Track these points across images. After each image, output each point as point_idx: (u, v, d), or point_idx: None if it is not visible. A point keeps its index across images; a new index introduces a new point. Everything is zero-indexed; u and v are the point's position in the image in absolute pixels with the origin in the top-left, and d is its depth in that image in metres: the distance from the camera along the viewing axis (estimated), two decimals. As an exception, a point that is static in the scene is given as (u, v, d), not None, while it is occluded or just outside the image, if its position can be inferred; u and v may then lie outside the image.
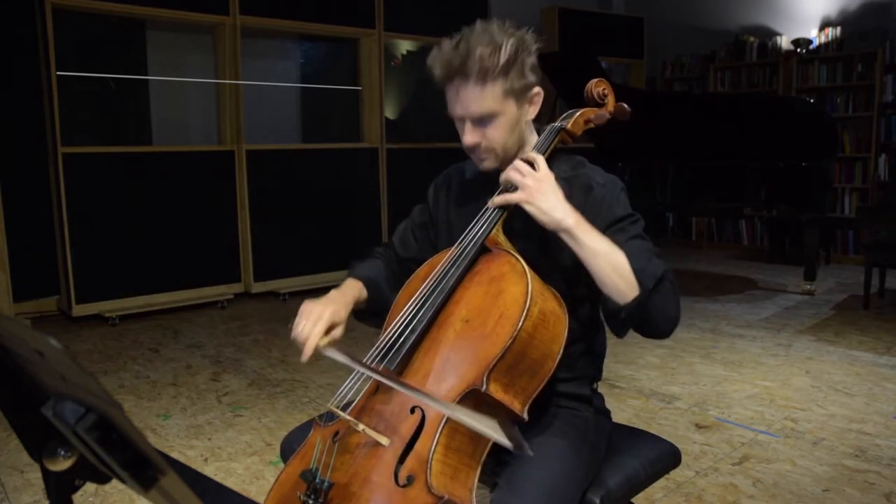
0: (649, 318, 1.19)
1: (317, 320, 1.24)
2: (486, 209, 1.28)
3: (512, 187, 1.23)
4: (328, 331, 1.25)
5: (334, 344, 1.24)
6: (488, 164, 1.33)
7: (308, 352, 1.22)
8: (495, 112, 1.25)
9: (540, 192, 1.19)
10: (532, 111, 1.32)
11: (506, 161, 1.32)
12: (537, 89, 1.30)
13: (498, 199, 1.24)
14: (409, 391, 1.07)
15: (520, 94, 1.27)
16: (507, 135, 1.28)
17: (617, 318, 1.19)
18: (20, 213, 4.25)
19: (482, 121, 1.26)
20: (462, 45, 1.22)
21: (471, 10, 5.98)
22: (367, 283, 1.40)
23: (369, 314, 1.41)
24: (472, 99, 1.24)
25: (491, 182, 1.34)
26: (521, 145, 1.34)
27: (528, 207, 1.20)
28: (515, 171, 1.22)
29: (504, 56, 1.21)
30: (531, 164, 1.24)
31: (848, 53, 6.21)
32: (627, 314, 1.17)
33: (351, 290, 1.36)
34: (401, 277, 1.42)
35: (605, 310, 1.22)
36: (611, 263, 1.17)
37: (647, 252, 1.23)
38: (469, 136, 1.29)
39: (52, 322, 4.41)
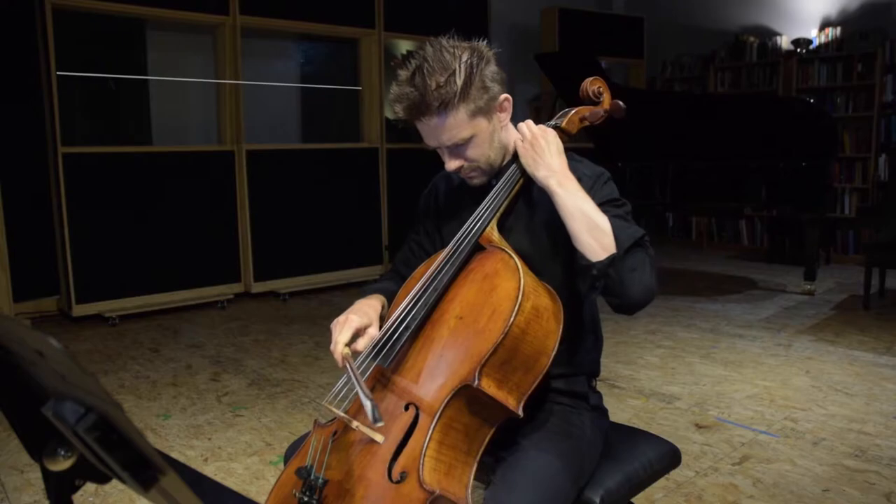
0: (622, 280, 1.17)
1: (342, 328, 1.24)
2: (481, 207, 1.29)
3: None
4: (356, 335, 1.25)
5: (356, 354, 1.25)
6: (477, 180, 1.34)
7: (337, 357, 1.22)
8: (467, 136, 1.25)
9: (531, 149, 1.25)
10: (504, 117, 1.32)
11: (494, 171, 1.34)
12: (504, 96, 1.29)
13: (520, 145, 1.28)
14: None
15: (486, 109, 1.26)
16: (486, 150, 1.29)
17: (588, 275, 1.18)
18: (20, 213, 4.25)
19: (458, 146, 1.27)
20: (417, 78, 1.21)
21: (471, 10, 5.99)
22: (386, 294, 1.41)
23: None
24: (440, 131, 1.24)
25: (482, 186, 1.35)
26: (505, 153, 1.34)
27: (521, 158, 1.26)
28: (524, 132, 1.28)
29: (460, 80, 1.20)
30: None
31: (848, 53, 6.21)
32: (599, 271, 1.17)
33: (373, 298, 1.38)
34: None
35: (578, 267, 1.20)
36: (589, 221, 1.18)
37: (625, 226, 1.23)
38: (451, 163, 1.30)
39: (52, 322, 4.41)
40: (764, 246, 6.74)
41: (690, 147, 5.03)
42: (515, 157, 1.32)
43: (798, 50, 6.52)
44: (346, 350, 1.22)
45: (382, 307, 1.36)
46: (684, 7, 7.38)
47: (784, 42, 6.67)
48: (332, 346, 1.23)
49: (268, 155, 5.08)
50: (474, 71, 1.22)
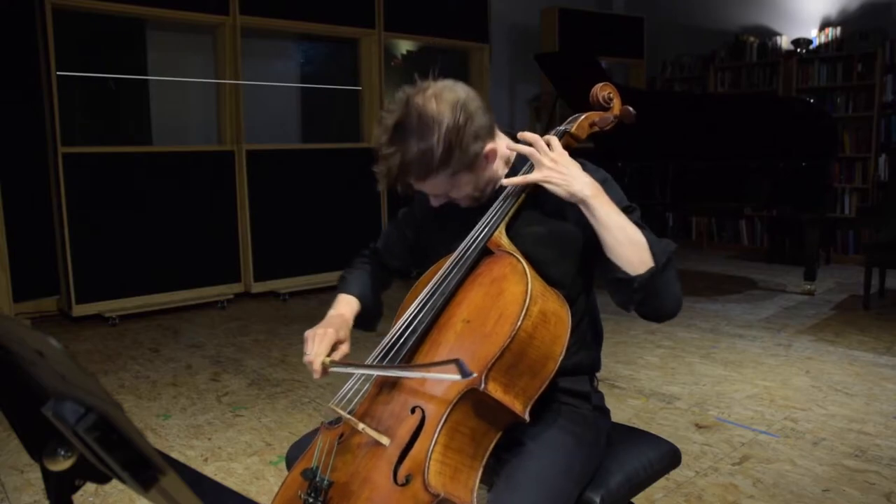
0: (659, 293, 1.19)
1: (320, 340, 1.26)
2: (490, 211, 1.28)
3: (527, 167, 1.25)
4: (333, 349, 1.28)
5: (339, 360, 1.28)
6: (467, 204, 1.34)
7: (317, 369, 1.24)
8: (450, 188, 1.27)
9: (557, 169, 1.21)
10: (490, 165, 1.30)
11: (485, 197, 1.34)
12: (488, 148, 1.26)
13: (516, 179, 1.25)
14: (403, 372, 1.13)
15: (469, 166, 1.25)
16: (470, 192, 1.30)
17: (629, 288, 1.19)
18: (20, 213, 4.25)
19: (440, 193, 1.30)
20: (396, 140, 1.19)
21: (471, 10, 5.99)
22: (361, 298, 1.45)
23: (361, 323, 1.46)
24: (423, 188, 1.27)
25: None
26: (496, 179, 1.33)
27: (548, 186, 1.21)
28: (533, 150, 1.23)
29: (439, 152, 1.19)
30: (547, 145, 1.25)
31: (848, 53, 6.20)
32: (640, 284, 1.18)
33: (347, 307, 1.42)
34: (386, 282, 1.55)
35: (617, 281, 1.20)
36: (627, 235, 1.19)
37: (656, 239, 1.25)
38: (435, 201, 1.32)
39: (52, 322, 4.41)
40: (764, 246, 6.74)
41: (691, 147, 5.03)
42: (520, 164, 1.32)
43: (798, 50, 6.52)
44: (327, 360, 1.24)
45: (356, 316, 1.41)
46: (684, 7, 7.38)
47: (784, 42, 6.67)
48: (307, 358, 1.24)
49: (268, 155, 5.08)
50: (454, 139, 1.19)
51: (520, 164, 1.33)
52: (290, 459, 1.38)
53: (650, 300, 1.20)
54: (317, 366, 1.23)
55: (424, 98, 1.20)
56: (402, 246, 1.53)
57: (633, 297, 1.20)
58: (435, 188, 1.26)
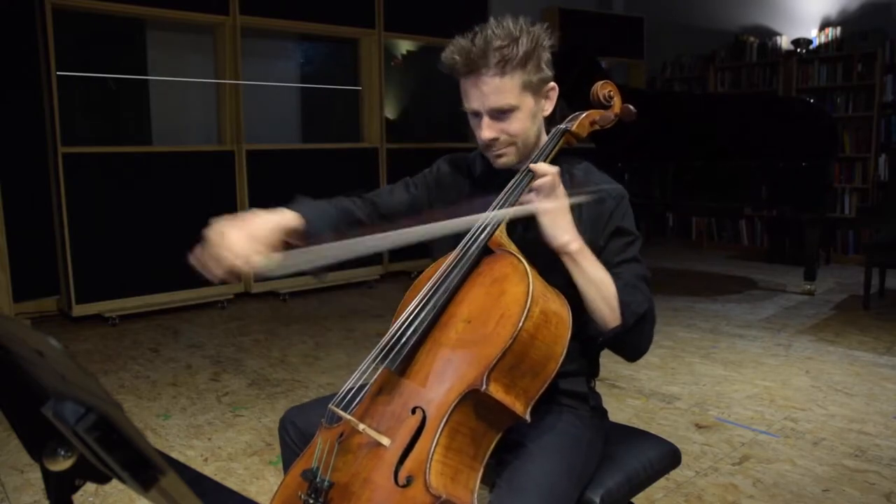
0: (623, 349, 1.30)
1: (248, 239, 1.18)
2: (490, 210, 1.27)
3: (530, 191, 1.24)
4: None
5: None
6: (506, 159, 1.32)
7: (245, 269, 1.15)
8: (514, 105, 1.25)
9: (559, 212, 1.22)
10: (548, 106, 1.33)
11: (525, 156, 1.33)
12: (553, 84, 1.31)
13: (519, 210, 1.24)
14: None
15: (537, 88, 1.28)
16: (526, 127, 1.29)
17: (594, 341, 1.28)
18: (20, 213, 4.25)
19: (501, 114, 1.26)
20: (479, 38, 1.23)
21: (471, 10, 5.99)
22: (309, 219, 1.29)
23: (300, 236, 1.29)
24: (491, 90, 1.24)
25: (497, 180, 1.33)
26: (537, 142, 1.35)
27: (544, 219, 1.22)
28: (550, 180, 1.21)
29: (522, 48, 1.22)
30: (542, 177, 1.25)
31: (848, 53, 6.21)
32: (604, 340, 1.27)
33: (283, 218, 1.25)
34: (367, 224, 1.39)
35: (585, 331, 1.27)
36: (602, 293, 1.23)
37: (637, 279, 1.27)
38: (487, 131, 1.28)
39: (52, 322, 4.41)
40: (764, 246, 6.74)
41: (691, 147, 5.03)
42: (530, 158, 1.32)
43: (798, 50, 6.52)
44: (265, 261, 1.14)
45: (288, 231, 1.24)
46: (684, 7, 7.38)
47: (784, 42, 6.67)
48: (227, 255, 1.18)
49: (268, 155, 5.08)
50: (537, 45, 1.24)
51: (547, 146, 1.34)
52: (285, 422, 1.38)
53: (613, 349, 1.32)
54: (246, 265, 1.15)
55: (508, 18, 1.26)
56: (408, 203, 1.46)
57: (598, 347, 1.32)
58: (503, 95, 1.23)
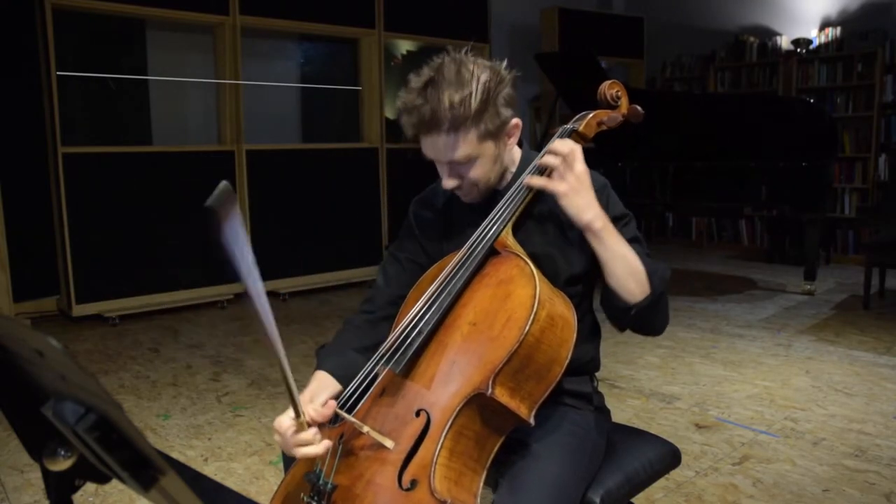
0: (654, 316, 1.26)
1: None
2: (496, 210, 1.26)
3: (547, 172, 1.24)
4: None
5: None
6: (471, 198, 1.32)
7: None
8: (472, 156, 1.23)
9: (578, 190, 1.21)
10: (511, 141, 1.30)
11: (488, 191, 1.32)
12: (514, 121, 1.27)
13: (536, 181, 1.23)
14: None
15: (496, 134, 1.24)
16: (487, 172, 1.27)
17: (626, 315, 1.24)
18: (20, 213, 4.25)
19: (460, 165, 1.25)
20: (430, 92, 1.18)
21: (471, 10, 5.99)
22: (339, 375, 1.27)
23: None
24: (445, 147, 1.21)
25: (479, 203, 1.34)
26: (503, 171, 1.33)
27: (563, 201, 1.21)
28: (561, 161, 1.21)
29: (475, 102, 1.17)
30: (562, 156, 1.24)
31: (848, 53, 6.21)
32: (637, 311, 1.23)
33: (325, 390, 1.25)
34: (390, 315, 1.34)
35: (614, 307, 1.25)
36: (629, 267, 1.22)
37: (644, 254, 1.27)
38: (448, 181, 1.28)
39: (52, 322, 4.41)
40: (764, 246, 6.74)
41: (691, 147, 5.03)
42: (527, 163, 1.32)
43: (798, 50, 6.52)
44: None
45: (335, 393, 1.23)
46: (684, 7, 7.38)
47: (784, 42, 6.67)
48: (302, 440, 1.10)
49: (268, 155, 5.08)
50: (490, 94, 1.19)
51: (524, 167, 1.33)
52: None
53: (642, 323, 1.27)
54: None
55: (460, 58, 1.22)
56: (410, 270, 1.41)
57: (628, 322, 1.26)
58: (460, 151, 1.21)
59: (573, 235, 1.30)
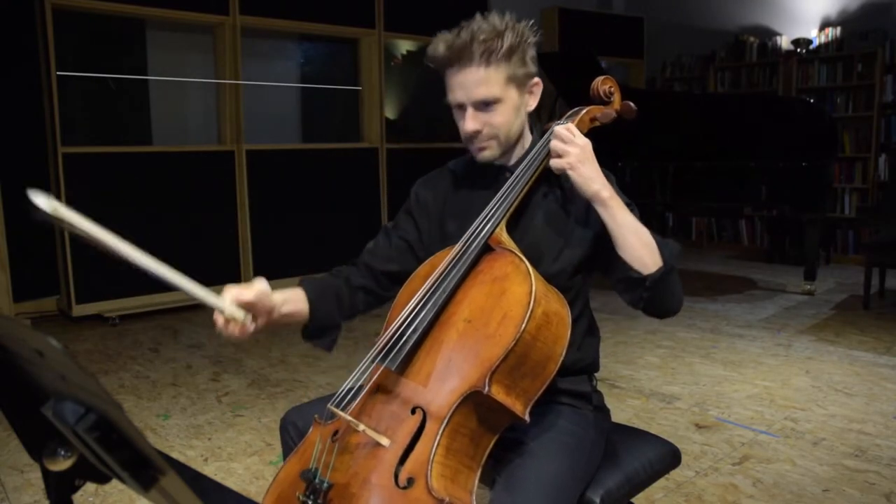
0: (669, 291, 1.24)
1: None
2: (491, 207, 1.26)
3: (555, 154, 1.24)
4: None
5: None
6: (489, 153, 1.32)
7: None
8: (498, 97, 1.26)
9: (583, 160, 1.22)
10: (532, 102, 1.34)
11: (507, 150, 1.33)
12: (537, 80, 1.32)
13: (552, 163, 1.24)
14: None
15: (521, 82, 1.29)
16: (509, 120, 1.29)
17: (640, 287, 1.23)
18: (20, 213, 4.25)
19: (485, 106, 1.27)
20: (464, 31, 1.24)
21: (471, 11, 5.97)
22: (312, 299, 1.36)
23: (313, 332, 1.37)
24: (475, 82, 1.25)
25: (488, 181, 1.34)
26: (520, 138, 1.35)
27: (571, 173, 1.22)
28: (560, 140, 1.23)
29: (507, 41, 1.23)
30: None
31: (848, 53, 6.21)
32: (652, 283, 1.21)
33: (292, 297, 1.33)
34: (376, 292, 1.44)
35: (628, 279, 1.23)
36: (639, 236, 1.22)
37: (662, 240, 1.28)
38: (470, 122, 1.28)
39: (52, 322, 4.41)
40: (764, 246, 6.74)
41: (691, 147, 5.03)
42: (527, 155, 1.33)
43: (798, 50, 6.52)
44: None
45: (295, 313, 1.30)
46: (684, 7, 7.38)
47: (784, 42, 6.67)
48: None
49: (268, 155, 5.08)
50: (520, 39, 1.25)
51: (533, 147, 1.34)
52: (286, 422, 1.37)
53: (658, 298, 1.24)
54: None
55: (493, 14, 1.28)
56: (397, 246, 1.44)
57: (643, 296, 1.23)
58: (487, 87, 1.24)
59: (571, 223, 1.31)
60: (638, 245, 1.22)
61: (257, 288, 1.20)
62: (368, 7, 5.45)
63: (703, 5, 7.26)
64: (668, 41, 7.47)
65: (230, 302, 1.18)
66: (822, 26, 6.48)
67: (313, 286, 1.39)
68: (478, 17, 1.27)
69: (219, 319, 1.18)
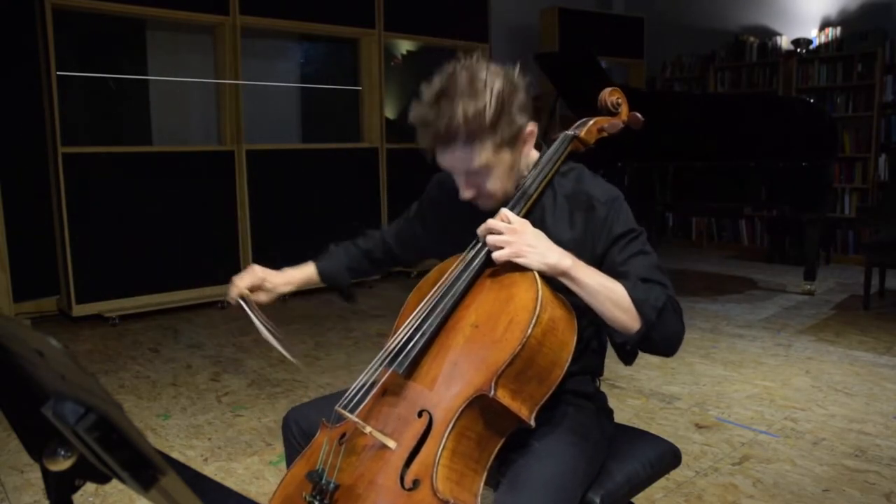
0: (655, 346, 1.20)
1: (246, 274, 1.49)
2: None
3: (495, 248, 1.20)
4: (254, 291, 1.48)
5: (252, 301, 1.47)
6: (490, 205, 1.31)
7: (233, 295, 1.46)
8: (488, 165, 1.22)
9: (525, 243, 1.17)
10: (527, 149, 1.30)
11: (508, 200, 1.30)
12: (530, 128, 1.26)
13: (494, 255, 1.19)
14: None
15: (513, 142, 1.23)
16: (505, 182, 1.27)
17: (623, 350, 1.21)
18: (20, 213, 4.25)
19: (477, 174, 1.24)
20: (444, 104, 1.17)
21: (471, 10, 5.99)
22: (325, 273, 1.56)
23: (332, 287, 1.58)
24: (462, 160, 1.22)
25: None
26: (521, 177, 1.32)
27: (520, 261, 1.17)
28: (492, 234, 1.19)
29: (490, 114, 1.17)
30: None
31: (848, 53, 6.21)
32: (633, 345, 1.19)
33: (300, 273, 1.56)
34: (381, 265, 1.63)
35: (612, 342, 1.23)
36: (613, 299, 1.17)
37: (648, 270, 1.21)
38: (466, 192, 1.27)
39: (52, 322, 4.41)
40: (764, 246, 6.74)
41: (690, 147, 5.03)
42: (536, 166, 1.32)
43: (798, 50, 6.52)
44: (246, 291, 1.43)
45: (304, 281, 1.54)
46: (684, 7, 7.38)
47: (784, 42, 6.67)
48: (230, 290, 1.44)
49: (268, 155, 5.08)
50: (505, 104, 1.18)
51: (537, 170, 1.32)
52: (289, 421, 1.38)
53: (647, 350, 1.21)
54: (234, 292, 1.44)
55: (473, 65, 1.20)
56: (404, 232, 1.57)
57: (630, 355, 1.22)
58: (476, 162, 1.21)
59: (576, 246, 1.28)
60: (613, 307, 1.16)
61: (262, 284, 1.52)
62: (368, 7, 5.45)
63: (703, 5, 7.26)
64: (668, 41, 7.47)
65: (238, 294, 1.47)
66: (822, 26, 6.48)
67: (326, 254, 1.59)
68: (458, 74, 1.18)
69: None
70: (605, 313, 1.18)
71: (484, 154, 1.20)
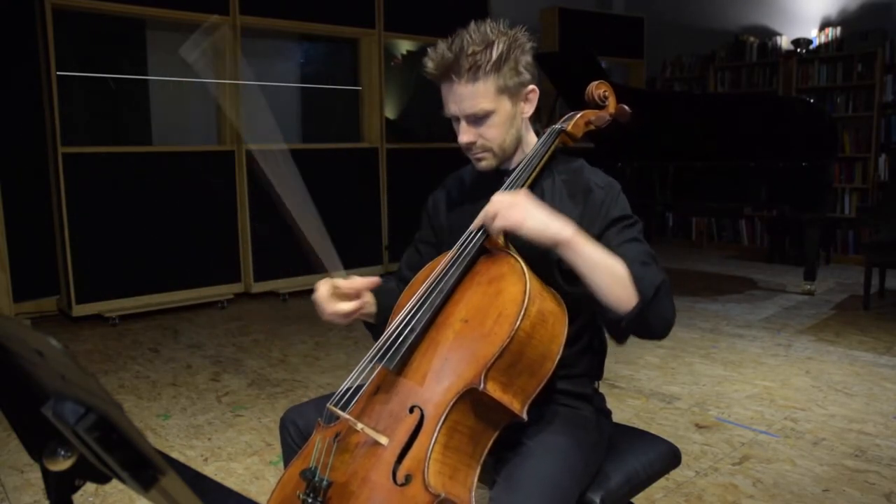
0: (648, 325, 1.18)
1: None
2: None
3: (495, 224, 1.19)
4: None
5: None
6: (486, 163, 1.34)
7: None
8: (489, 110, 1.26)
9: (525, 211, 1.16)
10: (528, 109, 1.33)
11: (504, 160, 1.34)
12: (532, 87, 1.30)
13: (494, 224, 1.18)
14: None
15: (514, 92, 1.27)
16: (503, 132, 1.29)
17: (617, 327, 1.19)
18: (20, 213, 4.25)
19: (477, 119, 1.27)
20: (455, 43, 1.24)
21: (471, 10, 5.98)
22: (380, 298, 1.44)
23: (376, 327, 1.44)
24: (464, 97, 1.25)
25: (491, 184, 1.34)
26: (518, 144, 1.35)
27: (521, 231, 1.16)
28: (491, 213, 1.18)
29: (495, 52, 1.22)
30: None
31: (848, 53, 6.21)
32: (628, 322, 1.16)
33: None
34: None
35: (605, 319, 1.21)
36: (612, 273, 1.15)
37: (644, 255, 1.22)
38: (465, 135, 1.30)
39: (52, 322, 4.41)
40: (764, 246, 6.74)
41: (691, 147, 5.03)
42: (537, 150, 1.34)
43: (798, 50, 6.52)
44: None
45: (371, 306, 1.41)
46: (684, 7, 7.38)
47: (784, 42, 6.67)
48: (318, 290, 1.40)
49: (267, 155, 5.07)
50: (511, 50, 1.24)
51: (533, 153, 1.34)
52: (286, 421, 1.38)
53: (639, 330, 1.19)
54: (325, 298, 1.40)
55: (485, 23, 1.27)
56: (421, 252, 1.52)
57: (624, 333, 1.20)
58: (477, 100, 1.24)
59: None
60: (610, 282, 1.15)
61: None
62: (368, 7, 5.45)
63: (703, 5, 7.26)
64: (668, 41, 7.47)
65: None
66: (822, 26, 6.48)
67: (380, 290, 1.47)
68: (471, 25, 1.27)
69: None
70: (602, 288, 1.16)
71: (484, 93, 1.24)
